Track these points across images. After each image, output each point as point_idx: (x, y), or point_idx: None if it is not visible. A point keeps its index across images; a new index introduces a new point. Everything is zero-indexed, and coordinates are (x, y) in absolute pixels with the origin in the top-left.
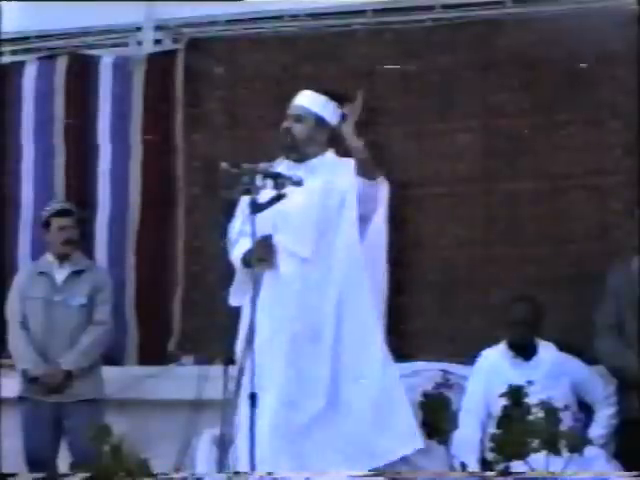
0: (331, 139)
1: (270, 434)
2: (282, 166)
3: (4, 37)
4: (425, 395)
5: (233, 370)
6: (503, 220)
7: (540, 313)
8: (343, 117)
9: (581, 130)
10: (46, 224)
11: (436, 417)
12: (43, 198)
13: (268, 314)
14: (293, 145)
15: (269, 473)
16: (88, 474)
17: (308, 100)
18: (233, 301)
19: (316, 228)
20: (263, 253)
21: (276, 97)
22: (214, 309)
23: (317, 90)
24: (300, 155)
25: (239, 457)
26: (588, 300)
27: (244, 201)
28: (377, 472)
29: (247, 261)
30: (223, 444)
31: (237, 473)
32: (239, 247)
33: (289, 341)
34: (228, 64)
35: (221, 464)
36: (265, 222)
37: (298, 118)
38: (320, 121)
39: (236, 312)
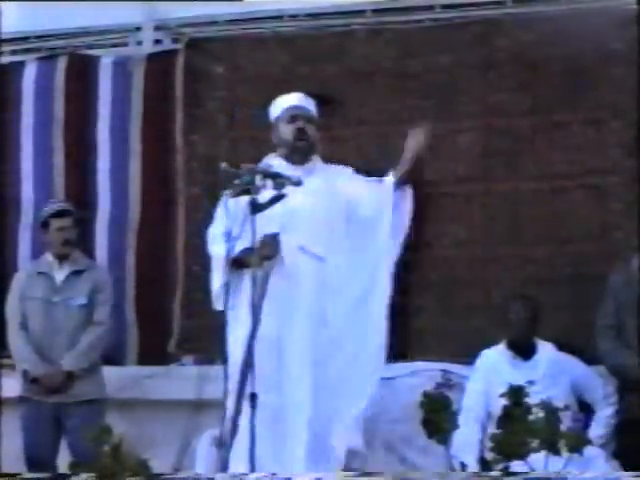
0: None
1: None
2: (277, 164)
3: (4, 37)
4: (425, 395)
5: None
6: (503, 220)
7: (538, 312)
8: None
9: (581, 130)
10: (45, 224)
11: (436, 417)
12: (43, 198)
13: (277, 313)
14: (310, 146)
15: (273, 474)
16: (90, 474)
17: (309, 103)
18: (220, 305)
19: (326, 227)
20: (269, 251)
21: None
22: (214, 309)
23: (307, 93)
24: (305, 157)
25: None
26: (588, 300)
27: (242, 201)
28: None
29: (242, 261)
30: (222, 444)
31: (237, 474)
32: (238, 247)
33: (303, 340)
34: (228, 64)
35: (221, 464)
36: (270, 222)
37: (309, 119)
38: (318, 125)
39: None
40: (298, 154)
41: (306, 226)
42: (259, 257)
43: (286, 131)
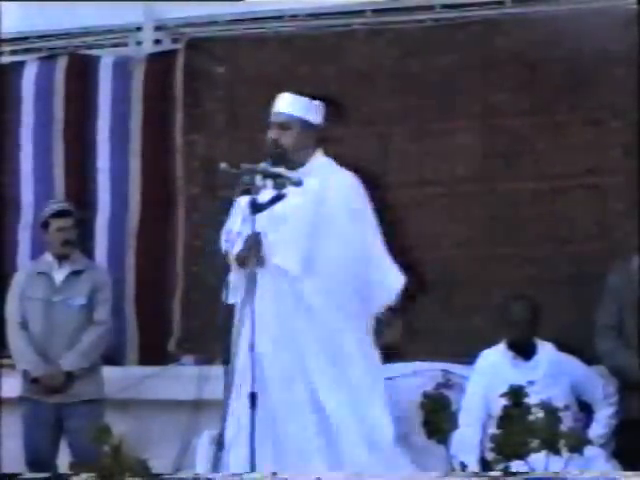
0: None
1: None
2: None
3: (4, 37)
4: (425, 395)
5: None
6: (503, 220)
7: (538, 312)
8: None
9: (581, 130)
10: (45, 224)
11: (436, 417)
12: (43, 198)
13: (264, 314)
14: (282, 155)
15: (274, 473)
16: (90, 474)
17: (290, 104)
18: (229, 299)
19: (307, 240)
20: (252, 251)
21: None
22: (214, 309)
23: (298, 92)
24: (290, 164)
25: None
26: (588, 300)
27: (242, 201)
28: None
29: (240, 260)
30: (221, 444)
31: (237, 473)
32: (236, 247)
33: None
34: (228, 64)
35: (220, 464)
36: (258, 224)
37: (283, 126)
38: (306, 125)
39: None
40: (275, 162)
41: (286, 239)
42: (244, 257)
43: (267, 137)
